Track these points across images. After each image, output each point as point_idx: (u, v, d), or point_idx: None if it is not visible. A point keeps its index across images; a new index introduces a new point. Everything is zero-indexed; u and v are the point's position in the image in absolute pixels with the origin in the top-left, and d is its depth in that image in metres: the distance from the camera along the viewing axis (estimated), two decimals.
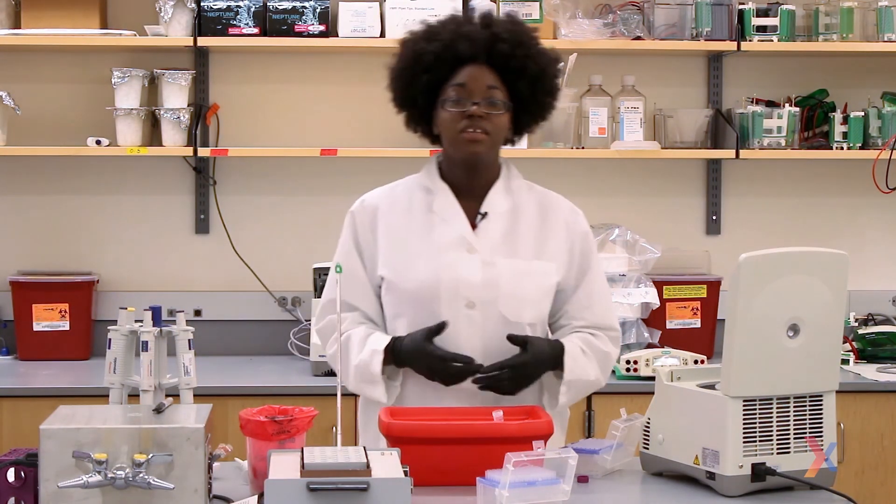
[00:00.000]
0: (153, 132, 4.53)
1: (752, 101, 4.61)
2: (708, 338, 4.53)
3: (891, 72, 4.78)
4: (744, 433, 2.57)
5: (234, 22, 4.43)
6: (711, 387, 2.65)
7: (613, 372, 4.14)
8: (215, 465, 2.61)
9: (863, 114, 4.58)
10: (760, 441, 2.58)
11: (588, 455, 2.73)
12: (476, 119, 2.82)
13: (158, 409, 2.47)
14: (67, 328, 4.47)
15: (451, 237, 2.89)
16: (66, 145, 4.50)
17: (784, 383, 2.60)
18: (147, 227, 4.70)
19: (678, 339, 4.45)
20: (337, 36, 4.45)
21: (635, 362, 4.14)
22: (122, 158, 4.62)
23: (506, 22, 2.89)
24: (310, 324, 4.47)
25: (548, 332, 2.97)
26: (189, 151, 4.44)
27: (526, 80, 2.86)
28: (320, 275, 4.34)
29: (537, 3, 4.43)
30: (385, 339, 2.86)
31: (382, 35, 4.44)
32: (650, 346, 4.37)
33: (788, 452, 2.61)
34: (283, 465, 2.31)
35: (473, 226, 2.90)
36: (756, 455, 2.58)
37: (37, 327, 4.46)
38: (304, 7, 4.43)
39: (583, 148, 4.56)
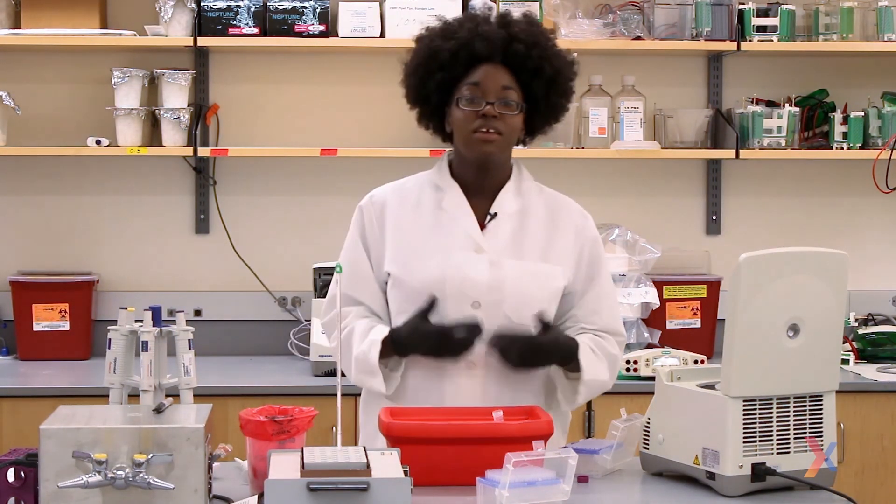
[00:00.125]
0: (153, 132, 4.53)
1: (752, 101, 4.61)
2: (708, 338, 4.53)
3: (891, 72, 4.78)
4: (744, 433, 2.57)
5: (234, 22, 4.43)
6: (711, 387, 2.65)
7: None
8: (215, 465, 2.61)
9: (863, 114, 4.59)
10: (760, 441, 2.58)
11: (588, 455, 2.73)
12: (490, 119, 2.81)
13: (158, 409, 2.47)
14: (67, 328, 4.47)
15: (459, 236, 2.88)
16: (66, 145, 4.50)
17: (784, 383, 2.60)
18: (147, 227, 4.70)
19: (678, 339, 4.45)
20: (337, 36, 4.45)
21: (635, 362, 4.13)
22: (122, 158, 4.62)
23: (522, 22, 2.88)
24: (310, 324, 4.47)
25: None
26: (189, 151, 4.44)
27: (541, 81, 2.85)
28: (320, 275, 4.35)
29: (537, 3, 4.43)
30: (385, 331, 2.85)
31: (382, 35, 4.44)
32: (650, 346, 4.37)
33: (788, 452, 2.61)
34: (283, 465, 2.31)
35: (482, 226, 2.90)
36: (756, 455, 2.58)
37: (37, 327, 4.46)
38: (304, 7, 4.43)
39: (583, 148, 4.56)
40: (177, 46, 4.48)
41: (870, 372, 4.29)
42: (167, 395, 2.63)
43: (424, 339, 2.81)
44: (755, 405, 2.58)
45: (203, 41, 4.43)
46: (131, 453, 2.32)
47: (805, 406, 2.63)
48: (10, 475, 2.37)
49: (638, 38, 4.52)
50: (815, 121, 4.69)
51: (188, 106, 4.47)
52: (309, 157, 4.60)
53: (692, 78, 4.80)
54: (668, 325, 4.52)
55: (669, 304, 4.51)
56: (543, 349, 2.83)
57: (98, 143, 4.45)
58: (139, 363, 2.61)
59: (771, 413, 2.59)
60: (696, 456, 2.63)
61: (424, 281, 2.85)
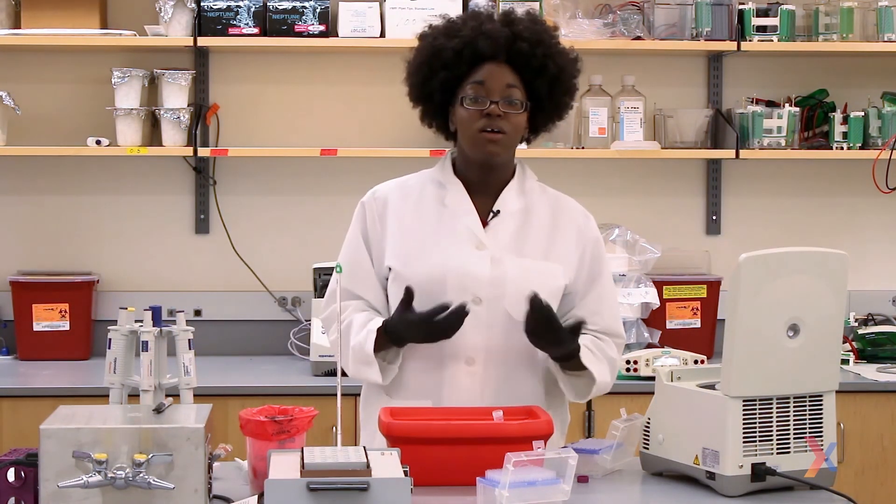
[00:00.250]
0: (153, 132, 4.53)
1: (752, 101, 4.61)
2: (708, 338, 4.53)
3: (891, 72, 4.78)
4: (744, 433, 2.57)
5: (234, 22, 4.43)
6: (711, 387, 2.65)
7: None
8: (215, 465, 2.61)
9: (863, 114, 4.59)
10: (760, 441, 2.58)
11: (588, 455, 2.73)
12: (494, 118, 2.81)
13: (158, 409, 2.47)
14: (67, 328, 4.47)
15: (461, 232, 2.88)
16: (66, 145, 4.50)
17: (784, 383, 2.60)
18: (147, 227, 4.70)
19: (678, 339, 4.45)
20: (337, 36, 4.45)
21: (635, 362, 4.13)
22: (122, 158, 4.62)
23: (526, 20, 2.87)
24: (310, 324, 4.47)
25: None
26: (189, 151, 4.44)
27: (545, 80, 2.85)
28: (320, 275, 4.35)
29: (537, 3, 4.43)
30: (380, 322, 2.85)
31: (382, 35, 4.44)
32: (650, 346, 4.37)
33: (788, 452, 2.61)
34: (283, 465, 2.31)
35: (484, 223, 2.90)
36: (756, 455, 2.58)
37: (37, 327, 4.46)
38: (304, 7, 4.43)
39: (583, 148, 4.56)
40: (177, 46, 4.48)
41: (870, 372, 4.29)
42: (167, 395, 2.63)
43: (412, 326, 2.79)
44: (755, 405, 2.58)
45: (203, 41, 4.43)
46: (131, 453, 2.32)
47: (805, 406, 2.63)
48: (10, 475, 2.37)
49: (638, 38, 4.52)
50: (815, 121, 4.69)
51: (188, 106, 4.47)
52: (309, 157, 4.60)
53: (692, 78, 4.80)
54: (668, 325, 4.52)
55: (669, 304, 4.51)
56: (557, 333, 2.78)
57: (98, 143, 4.45)
58: (139, 363, 2.61)
59: (771, 413, 2.59)
60: (696, 456, 2.63)
61: (425, 276, 2.85)
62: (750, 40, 4.51)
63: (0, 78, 4.59)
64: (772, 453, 2.59)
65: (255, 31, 4.44)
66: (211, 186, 4.68)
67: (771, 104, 4.66)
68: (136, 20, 4.52)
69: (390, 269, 2.90)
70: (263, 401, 2.94)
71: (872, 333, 4.50)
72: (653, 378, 2.94)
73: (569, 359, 2.85)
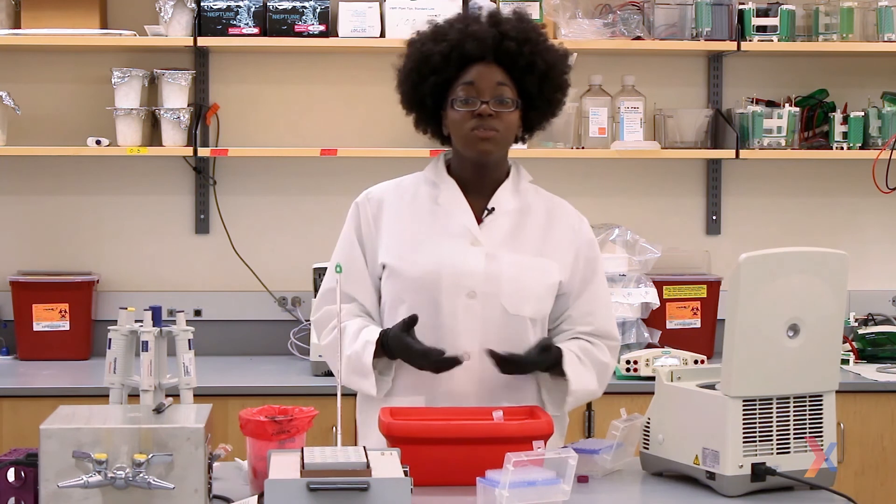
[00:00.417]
0: (153, 132, 4.54)
1: (752, 101, 4.61)
2: (708, 338, 4.53)
3: (891, 72, 4.78)
4: (744, 433, 2.57)
5: (234, 22, 4.43)
6: (711, 387, 2.65)
7: (613, 372, 4.13)
8: (215, 465, 2.61)
9: (863, 114, 4.59)
10: (760, 441, 2.58)
11: (588, 455, 2.73)
12: (486, 118, 2.82)
13: (158, 409, 2.47)
14: (67, 328, 4.47)
15: (455, 229, 2.89)
16: (66, 145, 4.50)
17: (784, 383, 2.60)
18: (147, 227, 4.70)
19: (678, 339, 4.45)
20: (337, 36, 4.46)
21: (635, 362, 4.14)
22: (122, 158, 4.62)
23: (513, 19, 2.88)
24: (310, 324, 4.47)
25: (546, 332, 2.97)
26: (189, 151, 4.44)
27: (534, 77, 2.86)
28: (320, 275, 4.34)
29: (537, 3, 4.43)
30: (377, 332, 2.86)
31: (382, 35, 4.44)
32: (650, 346, 4.37)
33: (788, 452, 2.61)
34: (283, 465, 2.31)
35: (479, 220, 2.90)
36: (756, 455, 2.58)
37: (37, 327, 4.46)
38: (304, 7, 4.43)
39: (583, 148, 4.56)
40: (177, 46, 4.48)
41: (870, 372, 4.29)
42: (167, 395, 2.62)
43: (405, 352, 2.81)
44: (755, 405, 2.58)
45: (203, 41, 4.43)
46: (131, 453, 2.32)
47: (805, 406, 2.63)
48: (10, 475, 2.37)
49: (638, 38, 4.52)
50: (815, 121, 4.69)
51: (188, 106, 4.47)
52: (308, 157, 4.60)
53: (692, 78, 4.80)
54: (668, 325, 4.52)
55: (669, 304, 4.51)
56: (530, 367, 2.86)
57: (98, 143, 4.46)
58: (139, 363, 2.61)
59: (771, 413, 2.59)
60: (696, 456, 2.63)
61: (420, 271, 2.85)
62: (750, 40, 4.51)
63: (0, 78, 4.59)
64: (772, 453, 2.59)
65: (255, 31, 4.44)
66: (211, 186, 4.68)
67: (771, 104, 4.66)
68: (136, 20, 4.52)
69: (384, 266, 2.90)
70: (263, 401, 2.94)
71: (872, 333, 4.50)
72: (653, 378, 2.94)
73: (553, 367, 2.87)
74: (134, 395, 2.62)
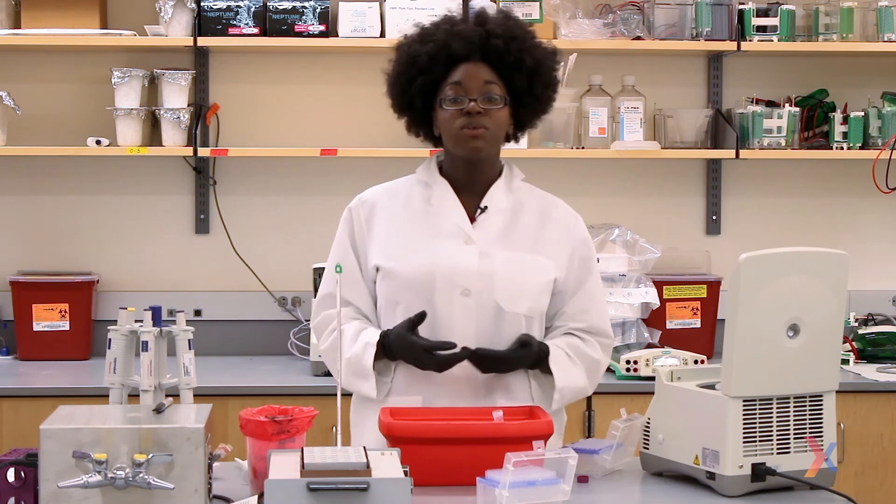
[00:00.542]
0: (153, 132, 4.53)
1: (752, 101, 4.61)
2: (708, 338, 4.53)
3: (891, 72, 4.78)
4: (744, 433, 2.57)
5: (234, 22, 4.43)
6: (711, 387, 2.65)
7: (613, 372, 4.14)
8: (215, 465, 2.61)
9: (863, 114, 4.58)
10: (760, 441, 2.58)
11: (588, 455, 2.73)
12: (475, 116, 2.82)
13: (158, 409, 2.47)
14: (67, 328, 4.47)
15: (448, 228, 2.90)
16: (66, 145, 4.50)
17: (784, 383, 2.60)
18: (147, 227, 4.70)
19: (678, 339, 4.45)
20: (337, 36, 4.45)
21: (635, 362, 4.13)
22: (122, 158, 4.62)
23: (499, 18, 2.89)
24: (310, 324, 4.47)
25: (543, 328, 2.97)
26: (189, 151, 4.44)
27: (523, 74, 2.86)
28: (320, 275, 4.31)
29: (537, 3, 4.43)
30: (376, 335, 2.86)
31: (382, 35, 4.44)
32: (650, 346, 4.37)
33: (788, 452, 2.61)
34: (283, 465, 2.31)
35: (472, 219, 2.91)
36: (756, 455, 2.58)
37: (37, 327, 4.46)
38: (304, 7, 4.43)
39: (583, 148, 4.56)
40: (177, 46, 4.48)
41: (870, 372, 4.29)
42: (167, 395, 2.63)
43: (409, 351, 2.81)
44: (755, 405, 2.58)
45: (203, 41, 4.43)
46: (131, 453, 2.32)
47: (805, 406, 2.63)
48: (10, 475, 2.37)
49: (638, 38, 4.52)
50: (815, 121, 4.69)
51: (188, 106, 4.47)
52: (309, 157, 4.60)
53: (692, 78, 4.80)
54: (668, 325, 4.52)
55: (669, 304, 4.51)
56: (514, 363, 2.85)
57: (98, 143, 4.45)
58: (139, 363, 2.61)
59: (771, 413, 2.59)
60: (696, 456, 2.63)
61: (414, 270, 2.86)
62: (750, 40, 4.51)
63: (0, 78, 4.59)
64: (772, 453, 2.59)
65: (255, 31, 4.44)
66: (211, 186, 4.68)
67: (771, 104, 4.66)
68: (136, 20, 4.52)
69: (378, 268, 2.90)
70: (263, 401, 2.94)
71: (872, 333, 4.50)
72: (653, 378, 2.94)
73: (540, 364, 2.87)
74: (134, 395, 2.62)
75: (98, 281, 4.59)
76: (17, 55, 4.63)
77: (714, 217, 4.81)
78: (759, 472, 2.57)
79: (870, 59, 4.77)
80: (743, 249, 2.62)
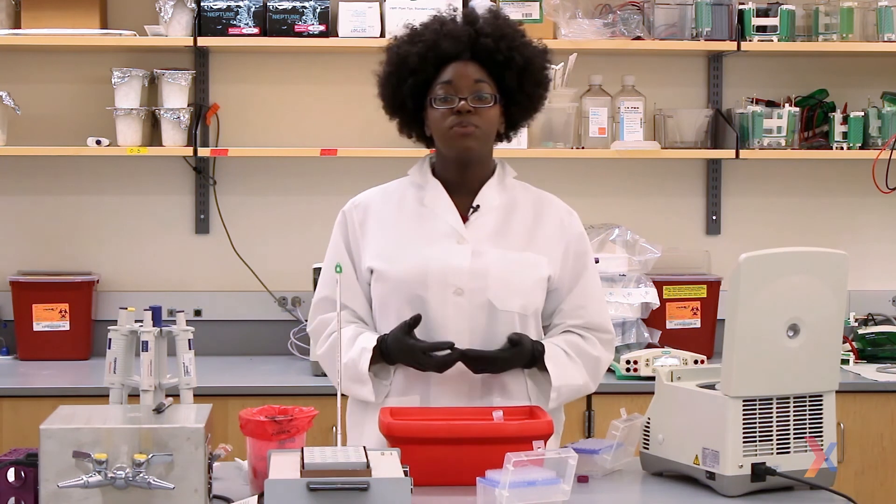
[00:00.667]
0: (153, 132, 4.54)
1: (752, 101, 4.61)
2: (708, 338, 4.53)
3: (891, 72, 4.78)
4: (744, 433, 2.57)
5: (234, 22, 4.43)
6: (711, 387, 2.65)
7: (613, 372, 4.14)
8: (215, 465, 2.61)
9: (863, 114, 4.59)
10: (760, 441, 2.58)
11: (588, 455, 2.73)
12: (465, 115, 2.83)
13: (158, 409, 2.47)
14: (67, 328, 4.47)
15: (441, 229, 2.90)
16: (66, 145, 4.50)
17: (784, 383, 2.60)
18: (147, 227, 4.70)
19: (678, 339, 4.45)
20: (337, 36, 4.45)
21: (635, 362, 4.13)
22: (122, 158, 4.62)
23: (488, 17, 2.90)
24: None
25: (541, 327, 2.97)
26: (189, 151, 4.44)
27: (513, 73, 2.86)
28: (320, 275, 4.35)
29: (537, 3, 4.43)
30: (373, 339, 2.86)
31: (382, 35, 4.44)
32: (650, 346, 4.37)
33: (788, 452, 2.61)
34: (283, 465, 2.31)
35: (465, 219, 2.91)
36: (756, 455, 2.58)
37: (37, 327, 4.46)
38: (304, 7, 4.43)
39: (583, 148, 4.56)
40: (177, 46, 4.48)
41: (870, 372, 4.29)
42: (167, 395, 2.62)
43: (407, 354, 2.82)
44: (755, 405, 2.58)
45: (203, 41, 4.43)
46: (131, 453, 2.32)
47: (805, 406, 2.63)
48: (10, 475, 2.37)
49: (638, 38, 4.52)
50: (815, 121, 4.69)
51: (188, 106, 4.47)
52: (309, 157, 4.60)
53: (692, 78, 4.80)
54: (668, 325, 4.52)
55: (669, 304, 4.51)
56: (507, 363, 2.85)
57: (98, 143, 4.46)
58: (139, 363, 2.61)
59: (771, 413, 2.59)
60: (696, 456, 2.63)
61: (406, 271, 2.86)
62: (750, 40, 4.51)
63: (0, 78, 4.59)
64: (772, 453, 2.59)
65: (255, 31, 4.44)
66: (211, 186, 4.68)
67: (771, 104, 4.66)
68: (136, 20, 4.52)
69: (372, 270, 2.90)
70: (263, 401, 2.94)
71: (872, 333, 4.50)
72: (653, 378, 2.94)
73: (536, 363, 2.87)
74: (134, 395, 2.62)
75: (98, 281, 4.59)
76: (17, 55, 4.63)
77: (714, 217, 4.81)
78: (759, 472, 2.57)
79: (870, 59, 4.77)
80: (743, 249, 2.62)
